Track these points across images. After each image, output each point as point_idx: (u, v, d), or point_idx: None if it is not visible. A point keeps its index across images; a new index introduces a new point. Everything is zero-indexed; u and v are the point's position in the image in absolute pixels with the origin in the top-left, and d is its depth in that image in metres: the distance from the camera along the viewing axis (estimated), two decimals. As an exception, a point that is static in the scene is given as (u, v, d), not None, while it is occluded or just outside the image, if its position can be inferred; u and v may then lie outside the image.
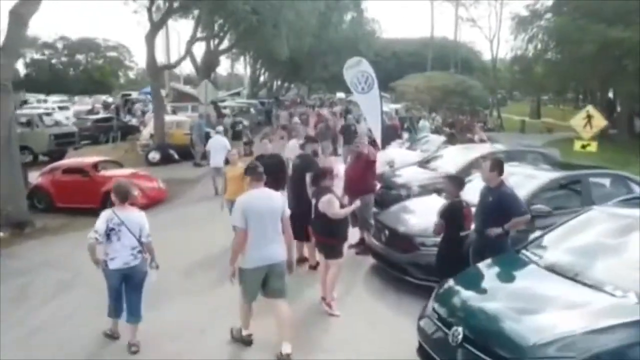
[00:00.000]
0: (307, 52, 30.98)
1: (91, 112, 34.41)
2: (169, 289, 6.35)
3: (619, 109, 36.38)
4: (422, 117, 18.62)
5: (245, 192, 4.83)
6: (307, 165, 6.83)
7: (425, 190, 8.84)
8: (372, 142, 14.98)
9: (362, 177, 7.33)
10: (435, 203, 6.83)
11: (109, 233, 4.64)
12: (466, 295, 3.99)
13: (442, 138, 13.36)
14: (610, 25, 25.55)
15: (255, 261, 4.52)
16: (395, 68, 43.10)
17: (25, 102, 42.43)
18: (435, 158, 10.56)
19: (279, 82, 58.57)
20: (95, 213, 5.25)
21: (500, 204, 5.03)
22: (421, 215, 6.57)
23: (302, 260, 7.12)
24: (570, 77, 31.80)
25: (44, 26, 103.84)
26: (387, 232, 6.54)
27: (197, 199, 12.22)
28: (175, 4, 18.79)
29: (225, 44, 28.21)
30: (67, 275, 7.04)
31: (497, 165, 5.19)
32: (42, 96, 50.66)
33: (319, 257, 6.13)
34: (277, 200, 4.70)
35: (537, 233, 4.96)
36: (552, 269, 4.04)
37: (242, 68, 55.35)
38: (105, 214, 4.71)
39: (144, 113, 30.28)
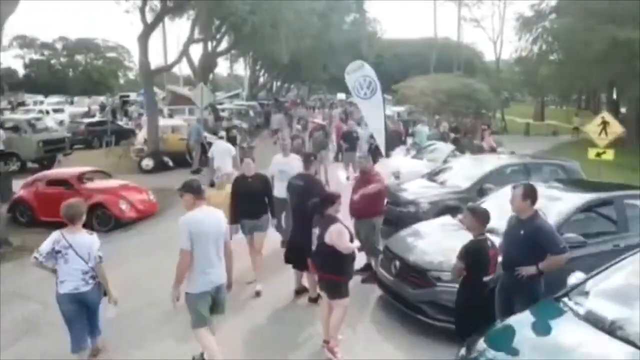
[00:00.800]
0: (308, 53, 30.23)
1: (87, 114, 33.74)
2: (154, 327, 5.70)
3: (622, 110, 35.75)
4: (420, 121, 17.74)
5: (189, 211, 4.50)
6: (310, 188, 6.04)
7: (436, 207, 8.11)
8: (375, 149, 14.35)
9: (369, 198, 6.59)
10: (450, 227, 6.14)
11: (55, 255, 4.45)
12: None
13: (451, 147, 12.57)
14: (619, 26, 24.83)
15: (201, 286, 4.40)
16: (397, 69, 42.43)
17: (21, 103, 41.81)
18: (444, 170, 9.79)
19: (279, 83, 57.90)
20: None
21: (534, 239, 4.28)
22: (436, 243, 5.81)
23: (301, 291, 6.39)
24: (577, 78, 31.04)
25: (43, 27, 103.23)
26: (397, 262, 5.77)
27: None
28: (170, 4, 18.04)
29: (223, 45, 27.46)
30: (37, 308, 6.29)
31: (531, 193, 4.42)
32: (40, 97, 49.97)
33: (320, 292, 5.39)
34: (221, 220, 4.58)
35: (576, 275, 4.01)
36: (605, 327, 3.24)
37: (242, 69, 54.55)
38: (54, 235, 4.53)
39: (141, 115, 29.62)
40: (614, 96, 35.96)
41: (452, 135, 17.41)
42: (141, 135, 19.30)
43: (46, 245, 4.46)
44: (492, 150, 12.61)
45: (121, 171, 16.39)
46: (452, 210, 8.14)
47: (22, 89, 62.07)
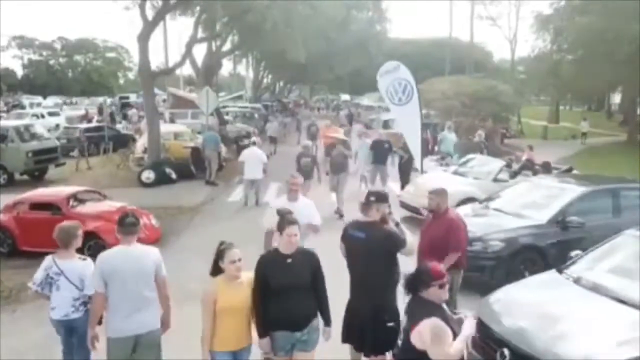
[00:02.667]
0: (315, 53, 28.54)
1: (85, 117, 32.20)
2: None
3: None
4: (447, 126, 16.09)
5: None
6: (377, 244, 4.21)
7: (510, 247, 6.48)
8: (406, 163, 12.73)
9: (447, 247, 4.98)
10: (569, 288, 4.49)
11: (49, 282, 4.39)
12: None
13: (500, 162, 10.86)
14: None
15: (117, 331, 3.99)
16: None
17: (16, 105, 40.23)
18: (505, 194, 8.07)
19: (281, 84, 56.38)
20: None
21: None
22: (567, 320, 4.05)
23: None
24: (601, 78, 29.44)
25: (42, 27, 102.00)
26: (506, 352, 4.00)
27: (200, 236, 9.83)
28: (173, 1, 16.42)
29: (228, 45, 25.81)
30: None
31: None
32: (39, 98, 48.50)
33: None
34: (148, 259, 4.07)
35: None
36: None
37: (244, 69, 52.96)
38: (45, 262, 4.47)
39: (141, 118, 28.03)
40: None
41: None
42: (141, 142, 17.76)
43: (38, 273, 4.42)
44: (545, 166, 10.93)
45: (119, 183, 14.86)
46: (531, 251, 6.58)
47: (20, 90, 60.93)
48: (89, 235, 8.50)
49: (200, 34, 21.37)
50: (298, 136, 25.36)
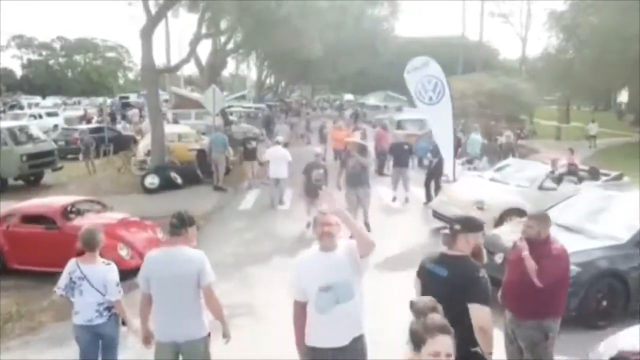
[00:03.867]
0: (321, 51, 27.48)
1: (84, 118, 31.23)
2: None
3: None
4: (474, 128, 15.12)
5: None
6: (464, 284, 3.16)
7: (588, 271, 5.46)
8: (435, 167, 11.71)
9: (546, 288, 3.91)
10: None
11: (72, 286, 4.28)
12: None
13: (545, 167, 9.76)
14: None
15: (159, 334, 3.83)
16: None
17: (13, 106, 39.19)
18: (569, 207, 6.95)
19: (283, 84, 55.38)
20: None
21: None
22: None
23: None
24: (615, 77, 28.44)
25: (41, 26, 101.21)
26: None
27: (211, 251, 8.76)
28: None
29: (233, 42, 24.75)
30: None
31: None
32: (37, 99, 47.52)
33: None
34: (189, 264, 3.75)
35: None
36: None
37: (246, 69, 51.97)
38: (69, 265, 4.36)
39: (142, 118, 27.03)
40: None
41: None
42: (143, 144, 16.74)
43: (63, 278, 4.37)
44: (592, 172, 9.88)
45: (120, 189, 13.85)
46: (610, 277, 5.56)
47: (19, 90, 60.04)
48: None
49: (204, 31, 20.34)
50: (307, 137, 24.47)
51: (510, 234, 6.13)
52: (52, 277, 7.13)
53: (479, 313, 3.05)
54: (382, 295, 6.06)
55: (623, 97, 50.58)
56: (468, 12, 61.51)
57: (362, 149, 9.32)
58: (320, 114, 46.41)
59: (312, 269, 3.37)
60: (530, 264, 3.85)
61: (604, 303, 5.61)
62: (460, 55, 32.88)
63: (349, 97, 65.60)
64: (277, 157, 11.84)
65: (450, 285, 3.17)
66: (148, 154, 15.43)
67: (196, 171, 14.71)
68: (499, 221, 8.53)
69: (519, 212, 8.62)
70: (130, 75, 75.20)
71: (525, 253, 3.88)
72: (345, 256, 3.33)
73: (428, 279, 3.37)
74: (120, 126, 26.57)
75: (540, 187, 8.95)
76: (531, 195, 8.79)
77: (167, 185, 13.64)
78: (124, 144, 20.04)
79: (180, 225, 3.86)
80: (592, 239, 5.79)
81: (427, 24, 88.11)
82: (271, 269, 7.83)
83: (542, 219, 4.07)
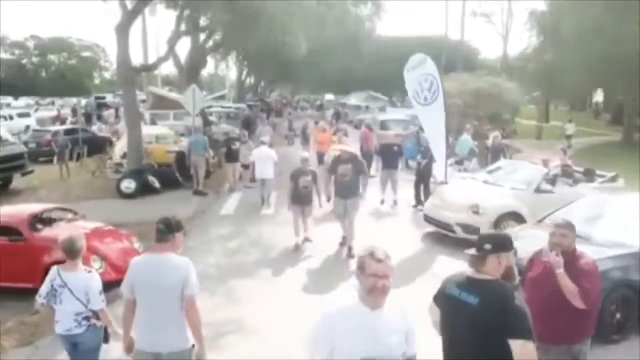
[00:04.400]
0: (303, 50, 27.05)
1: (57, 119, 30.15)
2: None
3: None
4: (466, 129, 14.84)
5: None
6: (505, 321, 2.68)
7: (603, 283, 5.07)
8: (424, 169, 11.32)
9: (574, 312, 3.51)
10: None
11: (54, 294, 4.17)
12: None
13: (541, 168, 9.41)
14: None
15: (141, 343, 3.66)
16: (396, 69, 39.54)
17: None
18: (574, 212, 6.62)
19: (263, 84, 54.76)
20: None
21: None
22: None
23: None
24: (604, 77, 28.63)
25: (14, 25, 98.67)
26: None
27: (193, 260, 8.21)
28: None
29: (213, 40, 24.07)
30: None
31: None
32: (9, 99, 45.94)
33: None
34: (173, 272, 3.57)
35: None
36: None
37: (226, 68, 51.18)
38: (51, 273, 4.26)
39: (118, 119, 26.18)
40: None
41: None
42: (119, 146, 16.04)
43: (44, 286, 4.24)
44: (588, 173, 9.60)
45: (94, 194, 13.15)
46: (624, 288, 5.21)
47: (-11, 90, 58.29)
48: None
49: (183, 28, 19.68)
50: (291, 138, 24.04)
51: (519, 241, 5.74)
52: (18, 295, 6.58)
53: (523, 350, 2.59)
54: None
55: (599, 96, 51.37)
56: (450, 12, 61.77)
57: (353, 158, 8.57)
58: (302, 114, 45.84)
59: (356, 332, 2.49)
60: (569, 285, 3.42)
61: (618, 315, 5.26)
62: (442, 55, 32.71)
63: (329, 97, 65.24)
64: (263, 158, 11.77)
65: (484, 317, 2.70)
66: (124, 156, 14.77)
67: (175, 174, 14.08)
68: (495, 226, 8.19)
69: (515, 216, 8.31)
70: (107, 75, 73.81)
71: (561, 271, 3.45)
72: (401, 321, 2.60)
73: (453, 308, 2.88)
74: (95, 127, 25.68)
75: (537, 190, 8.62)
76: (527, 198, 8.46)
77: (144, 189, 12.97)
78: (98, 146, 19.22)
79: (167, 231, 3.71)
80: (601, 247, 5.42)
81: (409, 24, 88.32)
82: (258, 281, 7.32)
83: (573, 227, 3.66)
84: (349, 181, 8.22)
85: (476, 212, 8.28)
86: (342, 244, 8.60)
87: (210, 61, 40.45)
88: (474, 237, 8.30)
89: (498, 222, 8.22)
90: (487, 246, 2.83)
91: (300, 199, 8.56)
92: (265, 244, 9.10)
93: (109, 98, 43.57)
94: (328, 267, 7.79)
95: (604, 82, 33.10)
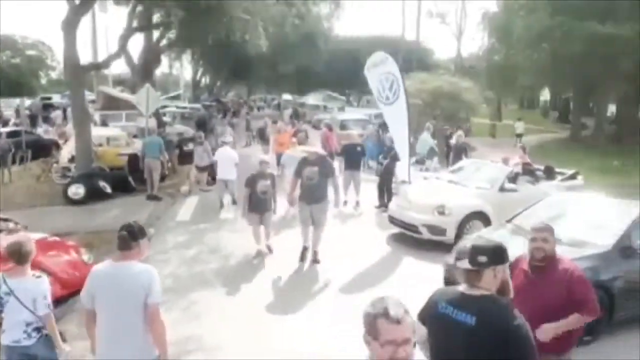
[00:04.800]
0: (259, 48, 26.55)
1: (-1, 121, 28.47)
2: None
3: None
4: (426, 127, 14.85)
5: None
6: (513, 343, 2.46)
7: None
8: (386, 170, 11.16)
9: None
10: None
11: (0, 302, 3.92)
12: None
13: (506, 167, 9.39)
14: (600, 23, 23.30)
15: (102, 354, 3.50)
16: (351, 68, 39.57)
17: None
18: (539, 212, 6.55)
19: (219, 84, 53.78)
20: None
21: None
22: None
23: None
24: (553, 77, 29.60)
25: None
26: None
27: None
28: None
29: (167, 38, 23.25)
30: None
31: None
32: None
33: None
34: (135, 280, 3.39)
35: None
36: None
37: (180, 67, 49.92)
38: None
39: (65, 120, 24.95)
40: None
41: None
42: (67, 149, 15.22)
43: None
44: (548, 171, 9.67)
45: (39, 201, 12.37)
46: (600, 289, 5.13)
47: None
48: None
49: (135, 24, 18.86)
50: (249, 138, 23.63)
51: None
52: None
53: None
54: (345, 317, 5.38)
55: (546, 95, 53.39)
56: (407, 12, 62.60)
57: (321, 160, 7.97)
58: (259, 113, 45.27)
59: None
60: (570, 323, 3.37)
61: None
62: (399, 55, 33.00)
63: (287, 96, 64.86)
64: (225, 159, 11.57)
65: (483, 338, 2.45)
66: (72, 160, 14.00)
67: (127, 178, 13.41)
68: (461, 226, 8.11)
69: (480, 216, 8.25)
70: (54, 75, 70.56)
71: (552, 333, 3.32)
72: None
73: (445, 328, 2.58)
74: (41, 129, 24.33)
75: (501, 189, 8.60)
76: (492, 197, 8.43)
77: (94, 195, 12.25)
78: (44, 149, 18.22)
79: (130, 238, 3.52)
80: (570, 248, 5.34)
81: (366, 24, 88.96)
82: (219, 293, 6.90)
83: (552, 230, 3.51)
84: (315, 184, 7.60)
85: (442, 213, 8.17)
86: (301, 259, 7.83)
87: (165, 60, 39.37)
88: (440, 238, 8.18)
89: (464, 222, 8.14)
90: (482, 259, 2.56)
91: (258, 206, 8.04)
92: (224, 252, 8.66)
93: (56, 99, 41.70)
94: (291, 277, 7.45)
95: (551, 82, 34.28)
